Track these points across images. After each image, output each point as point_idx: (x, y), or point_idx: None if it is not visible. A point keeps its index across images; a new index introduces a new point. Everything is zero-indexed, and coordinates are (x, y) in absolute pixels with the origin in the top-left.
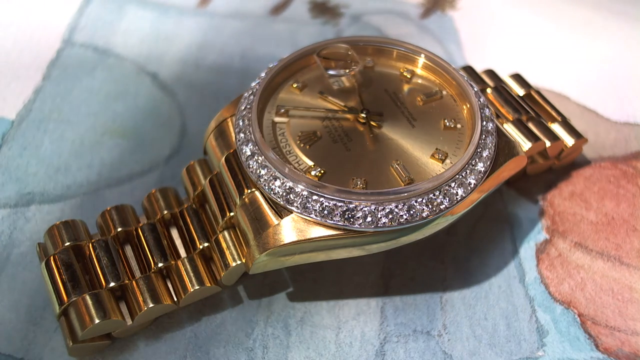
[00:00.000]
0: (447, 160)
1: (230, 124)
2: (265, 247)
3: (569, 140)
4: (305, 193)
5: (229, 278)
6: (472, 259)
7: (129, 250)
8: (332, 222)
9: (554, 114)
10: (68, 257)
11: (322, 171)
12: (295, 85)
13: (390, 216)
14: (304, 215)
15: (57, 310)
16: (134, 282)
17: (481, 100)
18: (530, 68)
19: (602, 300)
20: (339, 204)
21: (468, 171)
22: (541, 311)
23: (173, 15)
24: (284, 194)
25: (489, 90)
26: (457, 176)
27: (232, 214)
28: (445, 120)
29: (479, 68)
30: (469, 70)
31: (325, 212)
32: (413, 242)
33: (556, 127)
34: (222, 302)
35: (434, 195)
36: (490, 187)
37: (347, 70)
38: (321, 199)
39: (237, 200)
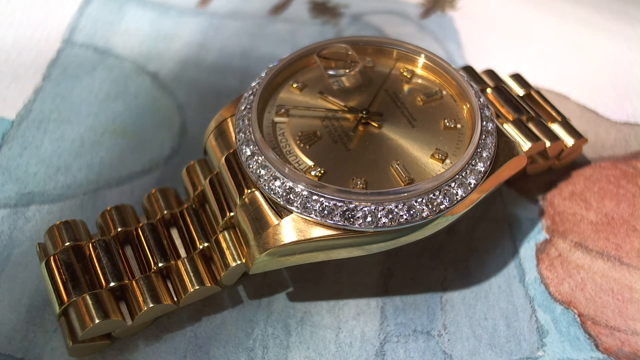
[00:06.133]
0: (447, 160)
1: (230, 124)
2: (265, 247)
3: (569, 140)
4: (305, 193)
5: (229, 278)
6: (472, 259)
7: (129, 250)
8: (332, 222)
9: (554, 114)
10: (68, 257)
11: (322, 171)
12: (295, 85)
13: (390, 216)
14: (304, 215)
15: (57, 310)
16: (134, 282)
17: (481, 100)
18: (530, 68)
19: (602, 300)
20: (339, 204)
21: (468, 171)
22: (541, 311)
23: (173, 15)
24: (284, 194)
25: (489, 90)
26: (457, 176)
27: (232, 214)
28: (445, 120)
29: (479, 68)
30: (469, 70)
31: (325, 212)
32: (413, 242)
33: (556, 127)
34: (222, 302)
35: (434, 195)
36: (490, 187)
37: (347, 70)
38: (321, 199)
39: (237, 200)
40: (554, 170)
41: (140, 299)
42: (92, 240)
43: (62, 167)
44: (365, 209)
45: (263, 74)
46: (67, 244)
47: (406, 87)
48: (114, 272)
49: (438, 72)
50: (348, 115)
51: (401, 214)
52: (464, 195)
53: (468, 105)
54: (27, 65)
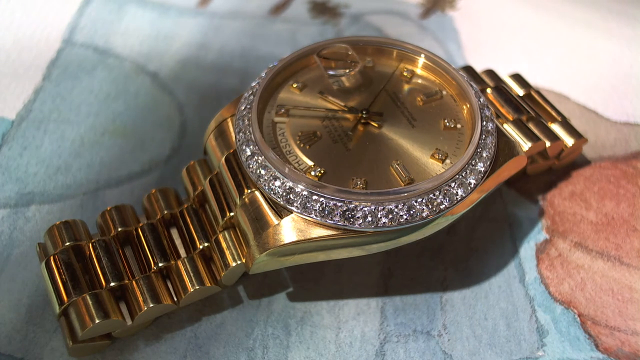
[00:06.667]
0: (447, 160)
1: (230, 124)
2: (265, 247)
3: (569, 140)
4: (305, 193)
5: (229, 278)
6: (472, 259)
7: (129, 250)
8: (332, 222)
9: (554, 114)
10: (68, 257)
11: (322, 171)
12: (295, 85)
13: (390, 216)
14: (304, 215)
15: (57, 310)
16: (134, 282)
17: (481, 100)
18: (530, 68)
19: (602, 300)
20: (339, 204)
21: (468, 171)
22: (541, 311)
23: (173, 15)
24: (284, 194)
25: (489, 90)
26: (457, 176)
27: (232, 214)
28: (445, 120)
29: (479, 68)
30: (469, 70)
31: (325, 212)
32: (413, 242)
33: (556, 127)
34: (222, 302)
35: (434, 195)
36: (490, 187)
37: (347, 70)
38: (321, 199)
39: (237, 200)
40: (554, 170)
41: (140, 299)
42: (92, 240)
43: (62, 167)
44: (365, 209)
45: (263, 74)
46: (67, 244)
47: (406, 87)
48: (114, 272)
49: (438, 72)
50: (348, 115)
51: (401, 214)
52: (464, 195)
53: (468, 105)
54: (27, 65)
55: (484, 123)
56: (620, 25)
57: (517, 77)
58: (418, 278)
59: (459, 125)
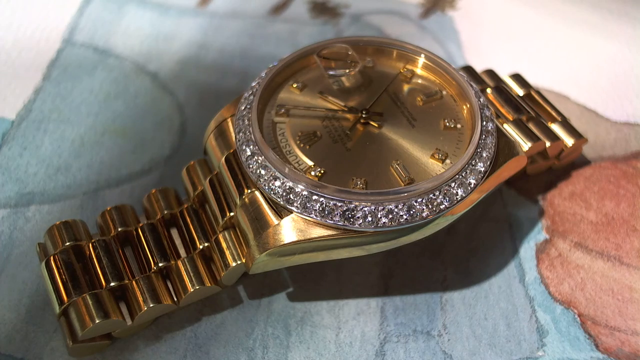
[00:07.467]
0: (447, 160)
1: (230, 124)
2: (265, 247)
3: (568, 141)
4: (305, 193)
5: (229, 278)
6: (472, 259)
7: (129, 250)
8: (332, 222)
9: (554, 114)
10: (68, 257)
11: (322, 171)
12: (295, 85)
13: (390, 216)
14: (304, 215)
15: (57, 310)
16: (134, 282)
17: (481, 100)
18: (530, 68)
19: (602, 300)
20: (339, 204)
21: (468, 171)
22: (541, 311)
23: (173, 15)
24: (284, 194)
25: (489, 90)
26: (457, 176)
27: (232, 214)
28: (445, 120)
29: (479, 68)
30: (469, 70)
31: (325, 212)
32: (413, 242)
33: (556, 127)
34: (222, 302)
35: (434, 195)
36: (490, 187)
37: (347, 70)
38: (321, 199)
39: (237, 200)
40: (554, 170)
41: (140, 299)
42: (92, 240)
43: (62, 167)
44: (365, 209)
45: (263, 74)
46: (67, 244)
47: (406, 87)
48: (114, 272)
49: (438, 72)
50: (348, 115)
51: (401, 214)
52: (464, 195)
53: (468, 105)
54: (27, 65)
55: (484, 123)
56: (620, 26)
57: (517, 77)
58: (418, 278)
59: (459, 125)
